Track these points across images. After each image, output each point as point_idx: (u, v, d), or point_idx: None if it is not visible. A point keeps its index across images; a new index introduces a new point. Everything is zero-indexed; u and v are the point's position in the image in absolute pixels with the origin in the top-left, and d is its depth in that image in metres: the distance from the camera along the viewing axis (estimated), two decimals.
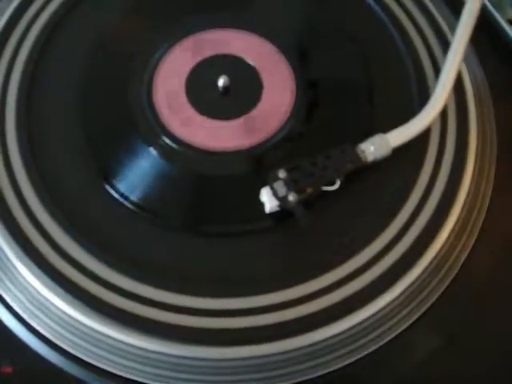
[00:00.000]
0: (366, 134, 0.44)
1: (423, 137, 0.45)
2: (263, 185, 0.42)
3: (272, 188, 0.41)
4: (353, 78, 0.48)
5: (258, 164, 0.44)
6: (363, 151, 0.43)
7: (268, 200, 0.42)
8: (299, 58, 0.48)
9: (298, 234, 0.43)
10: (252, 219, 0.43)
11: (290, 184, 0.41)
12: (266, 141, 0.45)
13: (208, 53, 0.48)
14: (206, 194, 0.44)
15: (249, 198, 0.43)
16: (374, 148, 0.43)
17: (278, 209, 0.42)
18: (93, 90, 0.47)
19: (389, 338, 0.41)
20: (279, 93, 0.46)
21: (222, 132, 0.45)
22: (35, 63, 0.48)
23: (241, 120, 0.45)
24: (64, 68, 0.48)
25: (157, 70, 0.47)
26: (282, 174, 0.42)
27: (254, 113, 0.46)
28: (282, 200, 0.41)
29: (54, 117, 0.47)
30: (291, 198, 0.41)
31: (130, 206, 0.44)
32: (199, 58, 0.47)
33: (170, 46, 0.48)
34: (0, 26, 0.49)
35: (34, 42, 0.49)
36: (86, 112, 0.47)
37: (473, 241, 0.44)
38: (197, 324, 0.40)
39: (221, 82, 0.46)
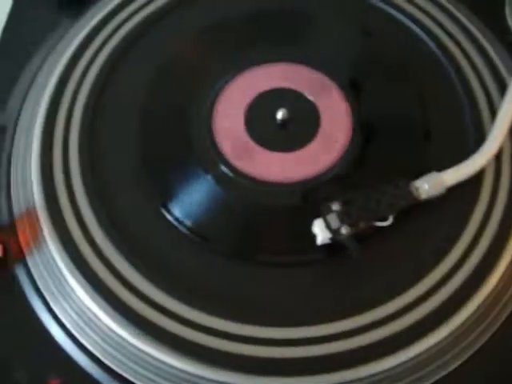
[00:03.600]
0: (420, 172, 0.44)
1: (477, 178, 0.45)
2: (315, 217, 0.42)
3: (325, 220, 0.42)
4: (409, 116, 0.48)
5: (311, 197, 0.44)
6: (417, 189, 0.43)
7: (320, 232, 0.42)
8: (356, 95, 0.48)
9: (347, 268, 0.43)
10: (303, 251, 0.43)
11: (343, 217, 0.42)
12: (321, 174, 0.45)
13: (268, 86, 0.49)
14: (259, 224, 0.45)
15: (300, 230, 0.43)
16: (428, 186, 0.43)
17: (329, 241, 0.42)
18: (153, 116, 0.49)
19: (437, 377, 0.41)
20: (336, 128, 0.47)
21: (279, 164, 0.46)
22: (99, 92, 0.50)
23: (297, 153, 0.46)
24: (126, 94, 0.50)
25: (217, 99, 0.48)
26: (335, 206, 0.42)
27: (311, 146, 0.46)
28: (335, 232, 0.41)
29: (114, 142, 0.48)
30: (344, 230, 0.41)
31: (184, 230, 0.44)
32: (259, 90, 0.48)
33: (231, 77, 0.49)
34: (69, 52, 0.51)
35: (100, 70, 0.50)
36: (146, 137, 0.48)
37: None
38: (245, 352, 0.40)
39: (279, 114, 0.47)
